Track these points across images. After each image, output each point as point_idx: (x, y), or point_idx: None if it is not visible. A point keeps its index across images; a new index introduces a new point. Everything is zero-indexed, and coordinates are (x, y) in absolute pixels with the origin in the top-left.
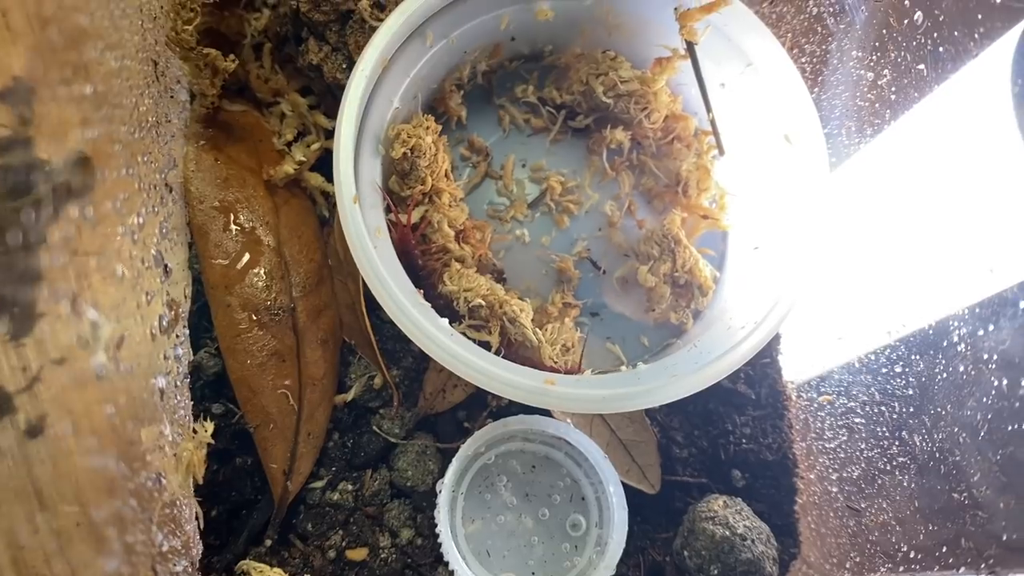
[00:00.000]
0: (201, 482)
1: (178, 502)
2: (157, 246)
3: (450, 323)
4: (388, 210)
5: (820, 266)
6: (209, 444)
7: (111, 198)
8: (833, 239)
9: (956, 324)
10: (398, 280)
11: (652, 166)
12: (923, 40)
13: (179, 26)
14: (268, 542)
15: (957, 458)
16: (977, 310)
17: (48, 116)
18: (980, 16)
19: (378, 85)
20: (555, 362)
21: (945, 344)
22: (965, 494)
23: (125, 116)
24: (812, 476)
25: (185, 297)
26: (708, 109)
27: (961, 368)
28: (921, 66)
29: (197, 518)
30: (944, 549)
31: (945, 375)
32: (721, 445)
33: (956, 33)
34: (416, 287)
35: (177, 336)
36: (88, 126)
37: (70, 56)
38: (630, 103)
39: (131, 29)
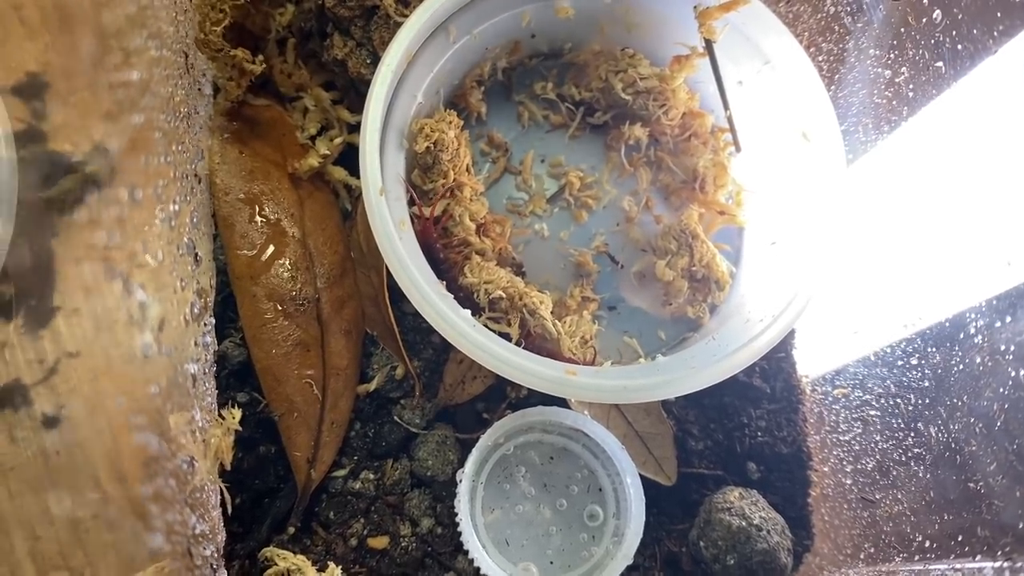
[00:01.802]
0: (229, 468)
1: (206, 487)
2: (189, 234)
3: (471, 315)
4: (411, 203)
5: (837, 261)
6: (236, 431)
7: (152, 184)
8: (850, 234)
9: (973, 316)
10: (423, 271)
11: (669, 162)
12: (941, 38)
13: (207, 27)
14: (291, 530)
15: (973, 448)
16: (994, 302)
17: (67, 109)
18: (999, 14)
19: (402, 80)
20: (574, 354)
21: (962, 336)
22: (981, 483)
23: (163, 104)
24: (826, 469)
25: (211, 287)
26: (726, 106)
27: (978, 360)
28: (939, 63)
29: (223, 504)
30: (959, 538)
31: (962, 367)
32: (736, 438)
33: (975, 31)
34: (441, 278)
35: (205, 324)
36: (132, 111)
37: (118, 41)
38: (648, 100)
39: (167, 20)
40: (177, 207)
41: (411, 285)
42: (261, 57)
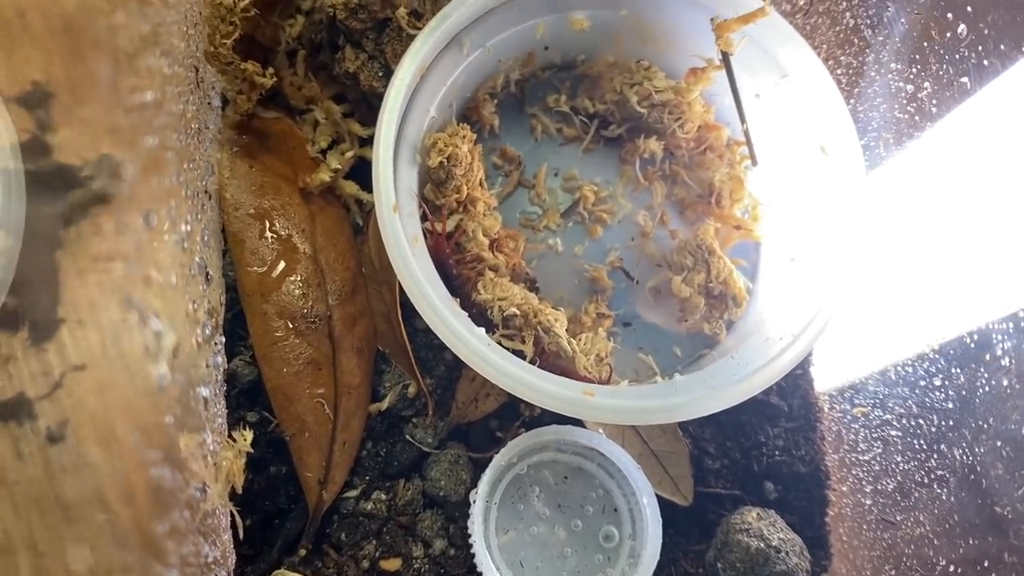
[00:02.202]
0: (240, 491)
1: (217, 511)
2: (200, 253)
3: (485, 332)
4: (424, 218)
5: (858, 277)
6: (248, 452)
7: (166, 205)
8: (870, 251)
9: (1000, 338)
10: (436, 289)
11: (685, 176)
12: (967, 53)
13: (217, 40)
14: (302, 551)
15: (1000, 472)
16: (1023, 324)
17: (74, 121)
18: None
19: (415, 95)
20: (589, 372)
21: (988, 357)
22: (1008, 508)
23: (175, 122)
24: (844, 488)
25: (221, 303)
26: (742, 120)
27: (1005, 382)
28: (964, 79)
29: (235, 527)
30: (986, 563)
31: (987, 388)
32: (754, 457)
33: (1002, 46)
34: (455, 295)
35: (215, 344)
36: (147, 132)
37: (135, 62)
38: (664, 113)
39: (179, 35)
40: (189, 227)
41: (424, 303)
42: (271, 70)
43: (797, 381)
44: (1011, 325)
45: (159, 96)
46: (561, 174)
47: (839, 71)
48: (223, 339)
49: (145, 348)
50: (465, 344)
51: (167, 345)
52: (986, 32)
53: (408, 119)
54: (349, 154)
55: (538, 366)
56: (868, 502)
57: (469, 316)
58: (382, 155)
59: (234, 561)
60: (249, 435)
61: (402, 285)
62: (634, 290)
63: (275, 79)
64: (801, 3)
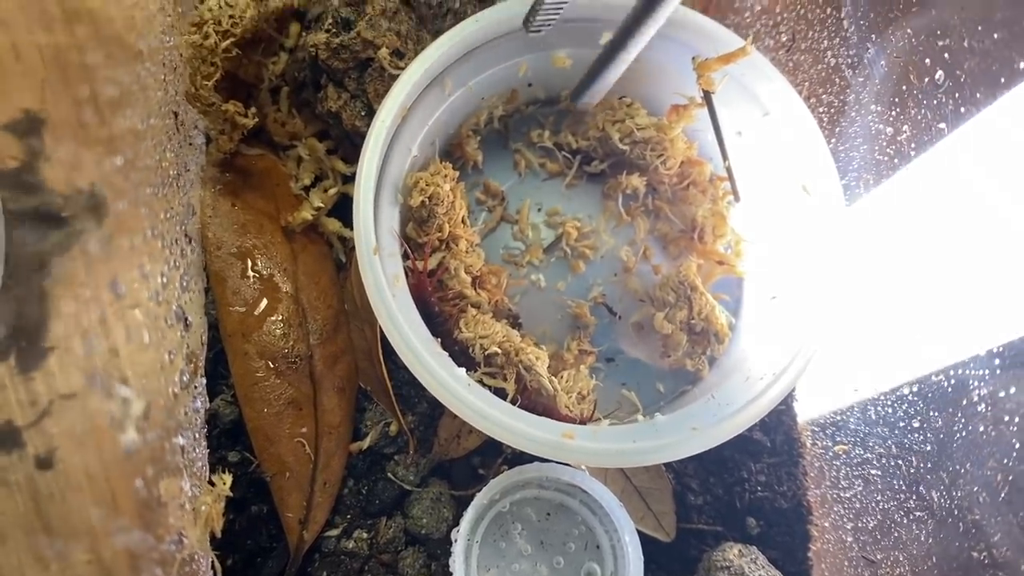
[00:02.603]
0: (219, 535)
1: (196, 556)
2: (178, 300)
3: (467, 371)
4: (405, 256)
5: (839, 317)
6: (227, 496)
7: (136, 266)
8: (851, 290)
9: (976, 384)
10: (416, 329)
11: (668, 211)
12: (944, 99)
13: (199, 81)
14: None
15: (976, 517)
16: (998, 372)
17: (63, 152)
18: (1003, 79)
19: (397, 134)
20: (570, 410)
21: (965, 403)
22: (984, 553)
23: (150, 176)
24: (827, 524)
25: (202, 344)
26: (724, 157)
27: (981, 428)
28: (942, 125)
29: (214, 569)
30: None
31: (964, 433)
32: (736, 492)
33: (978, 95)
34: (433, 334)
35: (195, 388)
36: (119, 197)
37: (101, 131)
38: (646, 150)
39: (154, 87)
40: (165, 279)
41: (403, 345)
42: (253, 110)
43: (780, 417)
44: (987, 371)
45: (131, 156)
46: (544, 209)
47: (820, 109)
48: (203, 381)
49: (111, 419)
50: (443, 386)
51: (135, 411)
52: (963, 79)
53: (390, 159)
54: (332, 191)
55: (520, 404)
56: (849, 539)
57: (451, 354)
58: (362, 198)
59: None
60: (228, 479)
61: (382, 327)
62: (617, 325)
63: (256, 119)
64: (784, 39)
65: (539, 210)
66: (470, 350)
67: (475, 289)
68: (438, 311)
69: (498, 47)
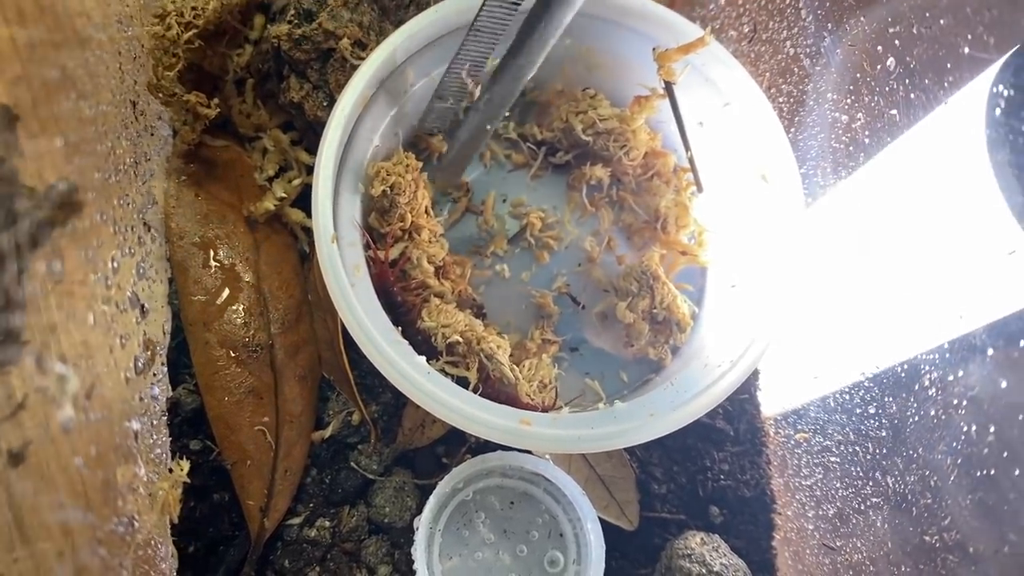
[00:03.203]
0: (176, 521)
1: (153, 541)
2: (133, 287)
3: (428, 360)
4: (367, 247)
5: (796, 305)
6: (185, 483)
7: (82, 247)
8: (809, 278)
9: (927, 368)
10: (375, 319)
11: (632, 202)
12: (895, 86)
13: (160, 72)
14: None
15: (929, 501)
16: (947, 355)
17: (35, 147)
18: (949, 65)
19: (358, 124)
20: (532, 399)
21: (917, 387)
22: (937, 537)
23: (99, 162)
24: (789, 513)
25: (164, 333)
26: (687, 147)
27: (932, 412)
28: (894, 111)
29: (172, 556)
30: None
31: (917, 418)
32: (700, 481)
33: (927, 81)
34: (396, 324)
35: (154, 375)
36: (60, 177)
37: (40, 110)
38: (609, 141)
39: (107, 74)
40: (117, 264)
41: (362, 334)
42: (216, 100)
43: (743, 405)
44: (937, 356)
45: (75, 139)
46: (509, 200)
47: (780, 99)
48: (164, 369)
49: (44, 394)
50: (402, 375)
51: (71, 389)
52: (912, 66)
53: (351, 148)
54: (296, 182)
55: (482, 393)
56: (811, 527)
57: (413, 344)
58: (321, 187)
59: None
60: (186, 465)
61: (341, 317)
62: (582, 315)
63: (219, 110)
64: (746, 30)
65: (504, 201)
66: (432, 339)
67: (439, 279)
68: (401, 301)
69: (460, 37)
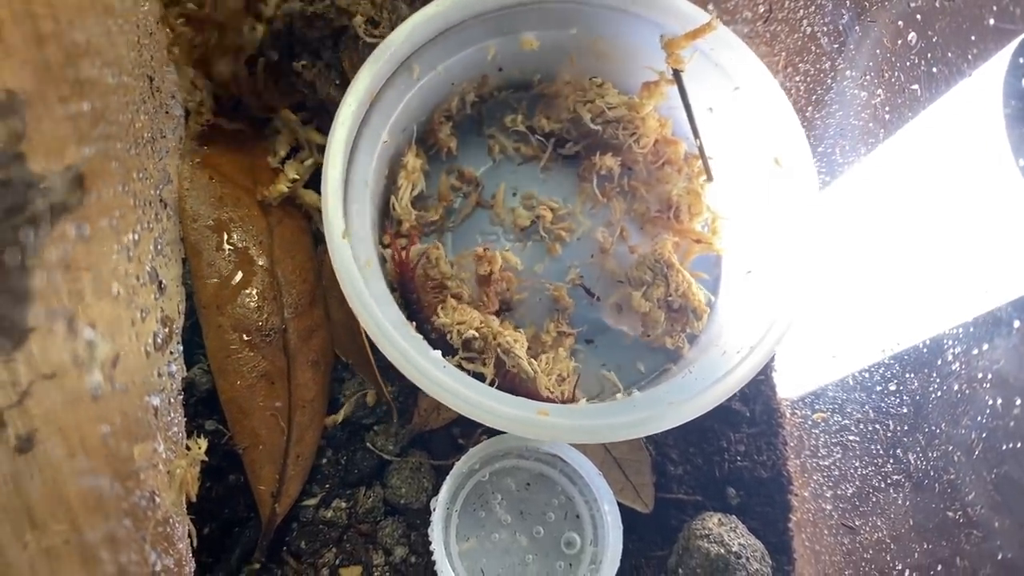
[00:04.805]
0: (194, 499)
1: (171, 519)
2: (152, 262)
3: (444, 356)
4: (385, 244)
5: (812, 288)
6: (203, 462)
7: (107, 216)
8: (825, 260)
9: (950, 343)
10: (389, 314)
11: (643, 191)
12: (917, 60)
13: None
14: (256, 565)
15: (952, 477)
16: (971, 329)
17: (44, 131)
18: (973, 37)
19: (366, 120)
20: (551, 392)
21: (939, 363)
22: (960, 513)
23: (121, 133)
24: (806, 493)
25: (179, 313)
26: (696, 135)
27: (955, 387)
28: (915, 86)
29: (190, 536)
30: (939, 568)
31: (939, 393)
32: (716, 462)
33: (950, 54)
34: (413, 319)
35: (171, 353)
36: (84, 143)
37: (67, 72)
38: (618, 129)
39: (128, 45)
40: (137, 236)
41: (376, 329)
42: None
43: (759, 387)
44: (961, 330)
45: (99, 106)
46: (520, 193)
47: (797, 79)
48: (180, 347)
49: (74, 357)
50: (413, 365)
51: (101, 355)
52: (935, 40)
53: (359, 145)
54: (308, 162)
55: (500, 388)
56: (829, 507)
57: (429, 341)
58: (330, 183)
59: (193, 569)
60: (204, 444)
61: (354, 312)
62: (597, 306)
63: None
64: (761, 10)
65: (515, 194)
66: (448, 336)
67: (486, 293)
68: (417, 299)
69: (464, 31)
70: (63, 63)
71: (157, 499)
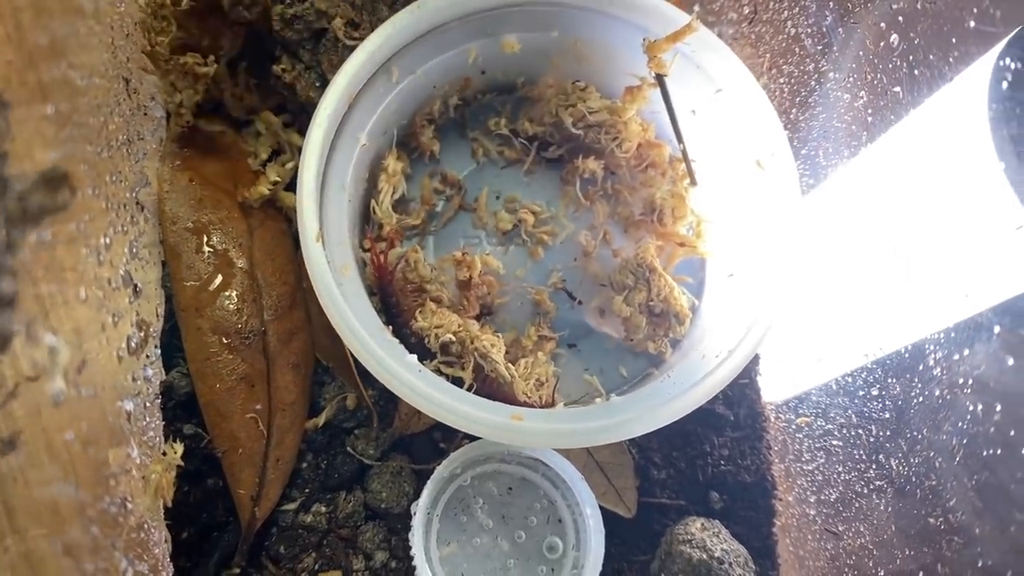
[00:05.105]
0: (171, 504)
1: (146, 525)
2: (126, 266)
3: (422, 361)
4: (366, 248)
5: (793, 291)
6: (181, 466)
7: (74, 219)
8: (808, 264)
9: (932, 348)
10: (364, 318)
11: (627, 195)
12: (899, 63)
13: (153, 38)
14: (236, 570)
15: (933, 483)
16: (953, 334)
17: (23, 131)
18: (954, 40)
19: (344, 123)
20: (528, 397)
21: (921, 368)
22: (941, 519)
23: (92, 135)
24: (790, 498)
25: (157, 316)
26: (679, 139)
27: (937, 392)
28: (897, 88)
29: (166, 541)
30: (921, 574)
31: (921, 399)
32: (699, 466)
33: (931, 56)
34: (391, 323)
35: (148, 356)
36: (50, 147)
37: (29, 74)
38: (600, 133)
39: (99, 47)
40: (109, 240)
41: (348, 332)
42: (212, 58)
43: (744, 391)
44: (942, 335)
45: (67, 109)
46: (503, 197)
47: (782, 80)
48: (158, 351)
49: (33, 364)
50: (388, 371)
51: (62, 361)
52: (917, 42)
53: (336, 148)
54: (289, 165)
55: (479, 392)
56: (812, 512)
57: (407, 345)
58: (305, 186)
59: (171, 574)
60: (180, 448)
61: (328, 316)
62: (579, 310)
63: (216, 65)
64: (746, 12)
65: (498, 198)
66: (425, 340)
67: (465, 294)
68: (396, 302)
69: (444, 33)
70: (39, 60)
71: (129, 505)
